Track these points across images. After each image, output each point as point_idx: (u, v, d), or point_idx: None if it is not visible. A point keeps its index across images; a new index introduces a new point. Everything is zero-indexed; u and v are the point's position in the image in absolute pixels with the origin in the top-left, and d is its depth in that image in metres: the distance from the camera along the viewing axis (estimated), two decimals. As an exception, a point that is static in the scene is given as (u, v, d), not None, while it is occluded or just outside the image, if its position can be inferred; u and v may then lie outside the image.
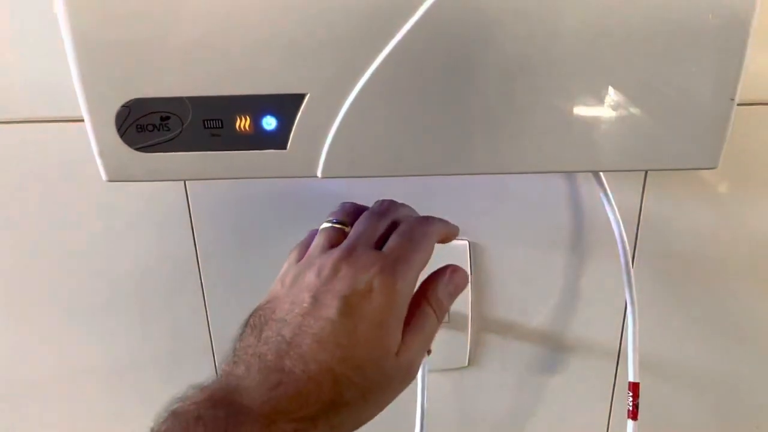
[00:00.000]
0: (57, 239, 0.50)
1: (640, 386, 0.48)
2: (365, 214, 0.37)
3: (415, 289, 0.34)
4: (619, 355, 0.54)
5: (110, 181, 0.35)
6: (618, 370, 0.54)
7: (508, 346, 0.54)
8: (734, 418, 0.56)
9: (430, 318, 0.34)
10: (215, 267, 0.51)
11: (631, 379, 0.48)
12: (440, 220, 0.38)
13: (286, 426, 0.28)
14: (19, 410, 0.58)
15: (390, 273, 0.32)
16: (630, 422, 0.48)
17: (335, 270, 0.32)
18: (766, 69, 0.42)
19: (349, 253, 0.33)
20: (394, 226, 0.36)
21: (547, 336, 0.54)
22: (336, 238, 0.36)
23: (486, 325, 0.53)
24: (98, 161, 0.34)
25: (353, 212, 0.38)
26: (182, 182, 0.48)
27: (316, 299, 0.31)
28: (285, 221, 0.50)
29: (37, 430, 0.59)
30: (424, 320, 0.34)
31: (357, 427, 0.31)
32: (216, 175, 0.34)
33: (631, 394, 0.48)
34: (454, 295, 0.36)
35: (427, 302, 0.34)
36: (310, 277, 0.33)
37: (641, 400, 0.48)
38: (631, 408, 0.48)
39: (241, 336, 0.32)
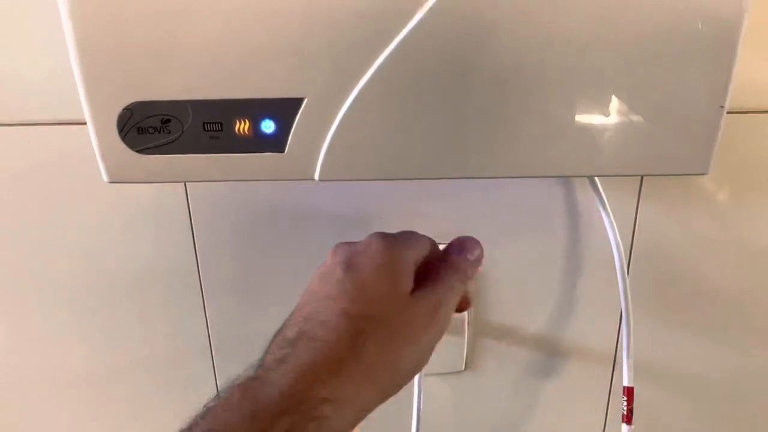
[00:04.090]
0: (58, 240, 0.51)
1: (636, 391, 0.48)
2: None
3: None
4: (615, 359, 0.54)
5: (111, 182, 0.35)
6: (614, 374, 0.54)
7: (505, 351, 0.55)
8: (728, 424, 0.57)
9: (446, 271, 0.35)
10: (215, 269, 0.52)
11: (625, 383, 0.48)
12: None
13: (313, 399, 0.28)
14: (16, 411, 0.58)
15: (386, 236, 0.34)
16: (624, 426, 0.48)
17: (335, 251, 0.34)
18: (761, 77, 0.43)
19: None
20: None
21: (544, 340, 0.54)
22: None
23: (483, 330, 0.54)
24: (100, 163, 0.35)
25: None
26: (183, 185, 0.48)
27: (323, 275, 0.33)
28: (284, 224, 0.50)
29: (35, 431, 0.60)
30: (441, 272, 0.35)
31: (396, 384, 0.32)
32: (215, 178, 0.35)
33: (625, 398, 0.48)
34: (472, 261, 0.37)
35: (442, 260, 0.36)
36: (320, 268, 0.34)
37: (637, 405, 0.48)
38: (625, 412, 0.48)
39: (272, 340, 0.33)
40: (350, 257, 0.33)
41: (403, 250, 0.34)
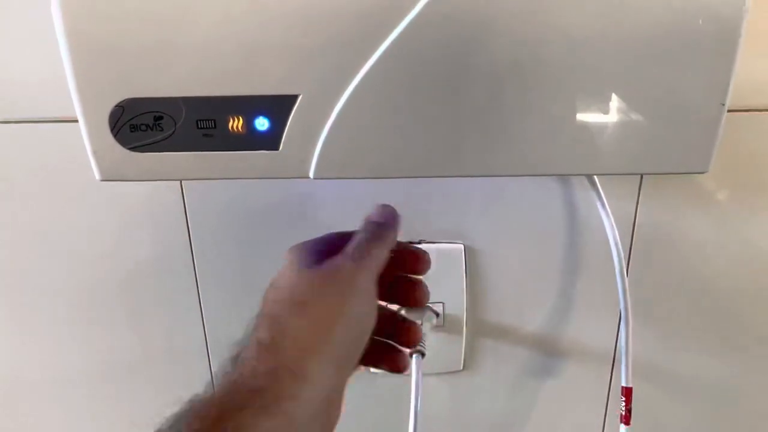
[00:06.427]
0: (53, 239, 0.50)
1: (635, 391, 0.48)
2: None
3: None
4: (614, 360, 0.53)
5: (104, 180, 0.35)
6: (613, 375, 0.54)
7: (503, 350, 0.54)
8: (727, 424, 0.56)
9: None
10: (211, 268, 0.52)
11: (623, 384, 0.48)
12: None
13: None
14: (13, 411, 0.58)
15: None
16: (623, 427, 0.48)
17: None
18: (762, 75, 0.42)
19: None
20: None
21: (542, 340, 0.54)
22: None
23: (481, 329, 0.53)
24: (92, 161, 0.34)
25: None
26: (179, 183, 0.48)
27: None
28: (280, 222, 0.50)
29: (32, 431, 0.59)
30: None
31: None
32: (209, 176, 0.35)
33: (623, 398, 0.48)
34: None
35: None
36: None
37: (635, 406, 0.48)
38: (623, 413, 0.48)
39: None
40: None
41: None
